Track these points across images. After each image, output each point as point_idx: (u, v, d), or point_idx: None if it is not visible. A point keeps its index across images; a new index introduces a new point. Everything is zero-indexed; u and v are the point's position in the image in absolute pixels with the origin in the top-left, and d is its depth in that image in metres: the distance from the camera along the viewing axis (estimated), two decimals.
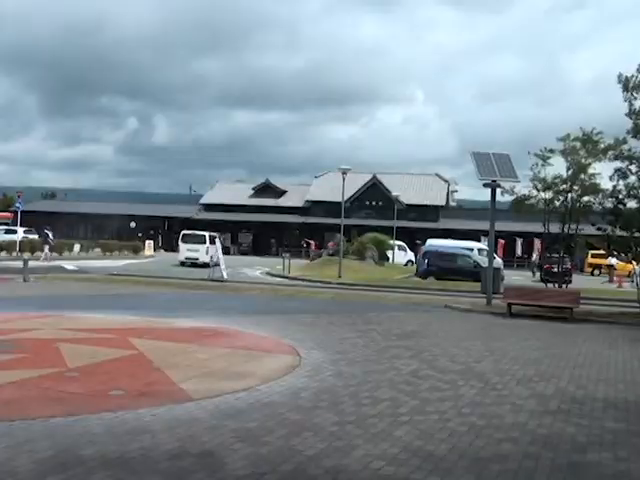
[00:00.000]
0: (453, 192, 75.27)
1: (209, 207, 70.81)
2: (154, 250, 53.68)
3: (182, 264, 38.77)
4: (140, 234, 59.88)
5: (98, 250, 47.72)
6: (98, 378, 8.53)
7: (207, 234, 39.40)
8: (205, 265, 29.29)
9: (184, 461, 5.58)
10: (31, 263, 25.95)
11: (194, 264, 36.94)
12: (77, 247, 46.20)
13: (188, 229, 44.73)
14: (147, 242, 53.53)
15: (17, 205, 42.52)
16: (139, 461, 5.54)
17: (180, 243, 41.19)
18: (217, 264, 29.88)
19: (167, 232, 67.68)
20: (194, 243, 39.38)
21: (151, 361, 9.72)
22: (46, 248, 38.85)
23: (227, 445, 6.02)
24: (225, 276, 28.91)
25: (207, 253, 33.64)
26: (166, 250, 60.57)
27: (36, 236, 46.71)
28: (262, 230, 66.63)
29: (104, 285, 24.05)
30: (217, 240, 33.09)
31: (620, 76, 19.96)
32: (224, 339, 12.24)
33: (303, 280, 31.25)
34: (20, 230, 43.40)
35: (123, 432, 6.29)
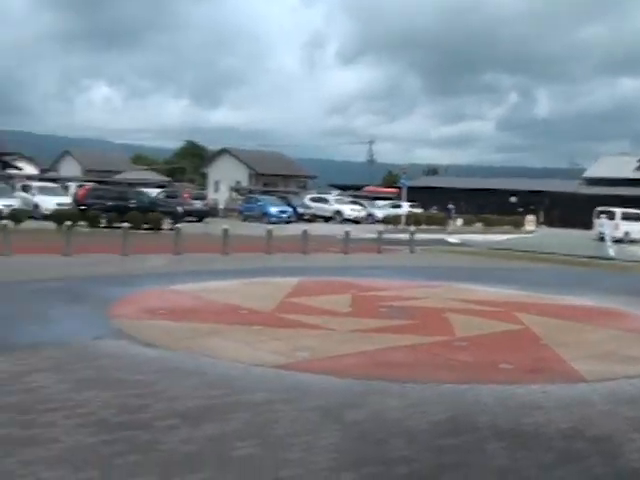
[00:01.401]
0: None
1: (592, 181, 67.52)
2: (536, 225, 52.85)
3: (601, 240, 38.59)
4: (521, 209, 59.40)
5: (479, 224, 48.50)
6: (486, 349, 8.64)
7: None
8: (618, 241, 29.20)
9: (577, 443, 5.38)
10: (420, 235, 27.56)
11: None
12: (459, 221, 47.66)
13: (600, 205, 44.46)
14: (528, 217, 52.88)
15: (402, 181, 46.31)
16: (532, 436, 5.47)
17: (596, 220, 41.64)
18: (604, 239, 28.81)
19: (548, 207, 66.13)
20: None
21: (538, 337, 9.54)
22: (452, 222, 43.82)
23: (622, 433, 5.67)
24: (612, 253, 27.38)
25: (608, 229, 32.48)
26: (547, 225, 59.26)
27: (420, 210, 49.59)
28: None
29: (486, 259, 24.33)
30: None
31: None
32: (612, 320, 11.54)
33: None
34: (405, 204, 45.95)
35: (514, 405, 6.27)
